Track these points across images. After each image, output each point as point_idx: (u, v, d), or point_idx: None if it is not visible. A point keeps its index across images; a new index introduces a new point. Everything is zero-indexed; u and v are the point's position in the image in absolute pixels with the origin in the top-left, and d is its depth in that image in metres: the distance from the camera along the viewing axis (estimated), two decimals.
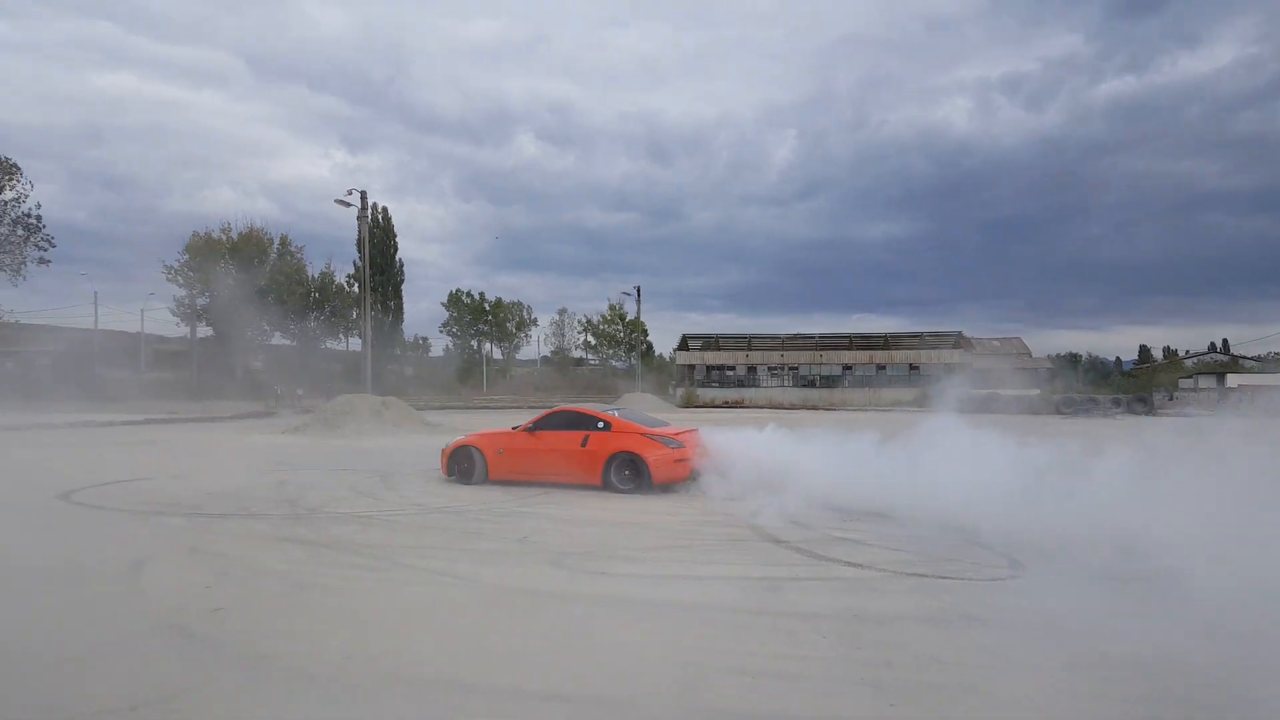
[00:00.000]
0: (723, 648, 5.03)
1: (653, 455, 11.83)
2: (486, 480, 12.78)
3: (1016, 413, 43.82)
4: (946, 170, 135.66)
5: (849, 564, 7.42)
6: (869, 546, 8.20)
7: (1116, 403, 48.10)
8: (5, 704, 4.06)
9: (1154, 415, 44.01)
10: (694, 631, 5.35)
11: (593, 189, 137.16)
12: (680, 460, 12.09)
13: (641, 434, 12.25)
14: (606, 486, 11.97)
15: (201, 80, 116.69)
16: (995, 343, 76.10)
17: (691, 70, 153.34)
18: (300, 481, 13.07)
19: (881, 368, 68.82)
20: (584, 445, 12.26)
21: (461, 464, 13.03)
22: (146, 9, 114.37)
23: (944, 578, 6.93)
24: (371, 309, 41.67)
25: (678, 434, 12.60)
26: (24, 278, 44.24)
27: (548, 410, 13.57)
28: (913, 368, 67.39)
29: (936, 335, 69.95)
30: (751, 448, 12.43)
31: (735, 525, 9.44)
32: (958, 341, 68.26)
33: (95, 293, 53.48)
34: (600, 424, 12.46)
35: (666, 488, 12.09)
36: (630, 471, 11.92)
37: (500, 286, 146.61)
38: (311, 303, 55.70)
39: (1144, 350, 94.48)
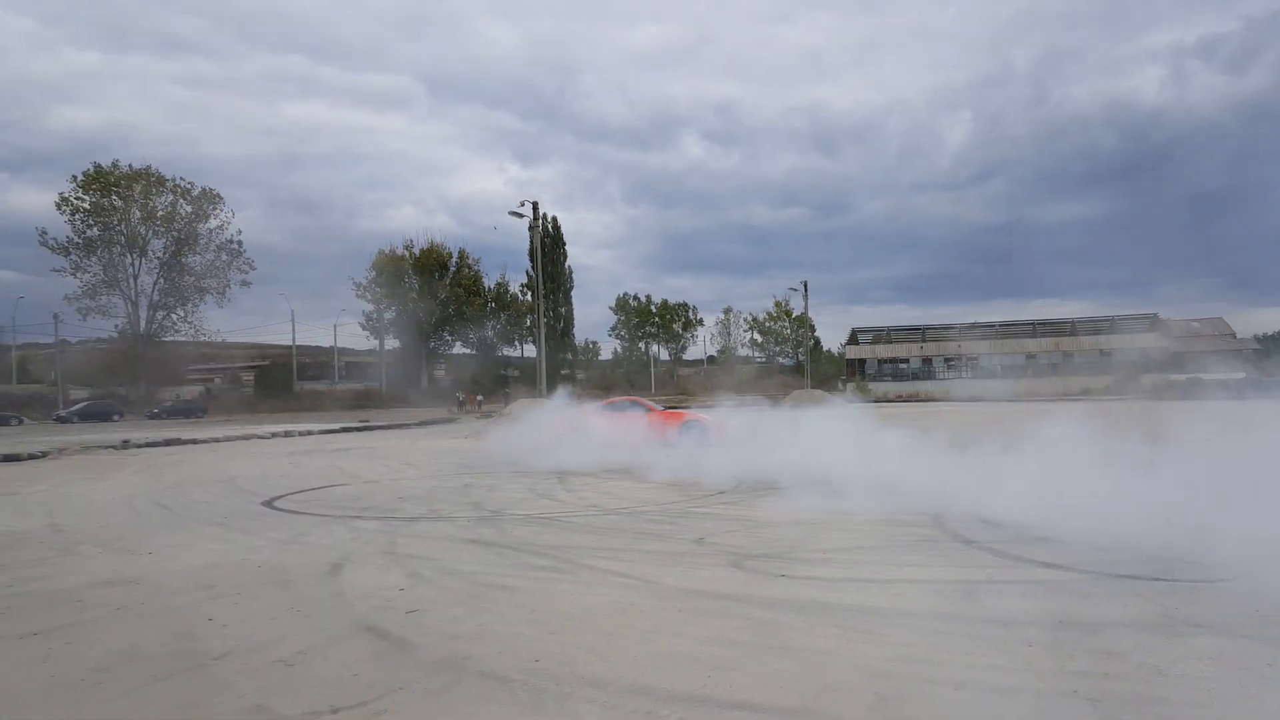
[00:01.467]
0: (920, 656, 4.74)
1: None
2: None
3: (1224, 398, 39.99)
4: (1135, 144, 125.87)
5: (1047, 565, 6.91)
6: (1068, 545, 7.60)
7: None
8: (214, 705, 4.29)
9: None
10: (888, 638, 5.08)
11: (758, 186, 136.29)
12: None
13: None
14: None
15: (385, 104, 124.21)
16: (1195, 324, 69.76)
17: (859, 59, 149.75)
18: (483, 484, 13.56)
19: (1068, 354, 64.65)
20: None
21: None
22: (334, 38, 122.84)
23: (1158, 579, 6.34)
24: (544, 315, 42.97)
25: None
26: (229, 299, 48.47)
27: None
28: (1103, 353, 62.92)
29: (1128, 318, 65.05)
30: None
31: (920, 525, 9.01)
32: (1152, 324, 63.20)
33: (292, 310, 57.75)
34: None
35: None
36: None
37: (667, 289, 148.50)
38: (488, 312, 58.13)
39: None
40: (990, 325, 69.13)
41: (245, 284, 48.77)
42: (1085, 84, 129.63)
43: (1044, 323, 68.08)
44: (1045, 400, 48.66)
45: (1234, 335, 66.76)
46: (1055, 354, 64.79)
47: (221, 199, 48.69)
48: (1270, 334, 71.31)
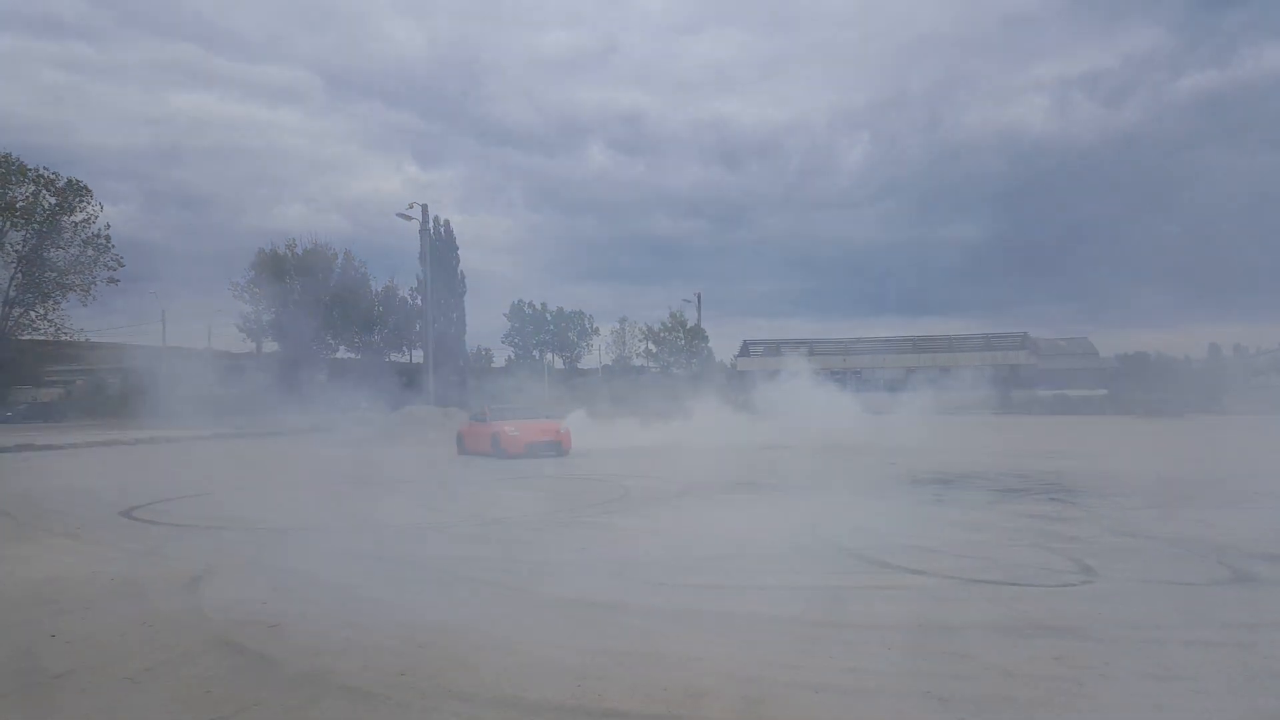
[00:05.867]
0: (787, 660, 4.83)
1: None
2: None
3: (1086, 413, 42.49)
4: (1021, 170, 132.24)
5: (913, 571, 7.16)
6: (935, 553, 7.90)
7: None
8: None
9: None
10: (757, 643, 5.15)
11: (662, 197, 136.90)
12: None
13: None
14: None
15: (279, 98, 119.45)
16: (1062, 343, 74.00)
17: (765, 75, 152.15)
18: (360, 495, 13.15)
19: (945, 370, 67.49)
20: None
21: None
22: (228, 28, 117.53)
23: (1012, 584, 6.65)
24: (434, 321, 42.18)
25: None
26: (94, 297, 45.70)
27: None
28: (976, 370, 65.95)
29: (1002, 336, 68.41)
30: None
31: (799, 534, 9.21)
32: (1022, 342, 66.64)
33: (162, 311, 54.96)
34: None
35: None
36: None
37: (567, 296, 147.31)
38: (375, 316, 56.67)
39: (1213, 348, 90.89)
40: (872, 340, 71.63)
41: (113, 281, 45.98)
42: (977, 110, 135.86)
43: (925, 338, 70.91)
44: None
45: (1097, 354, 71.00)
46: (933, 370, 67.58)
47: (89, 191, 45.81)
48: (1130, 354, 75.92)
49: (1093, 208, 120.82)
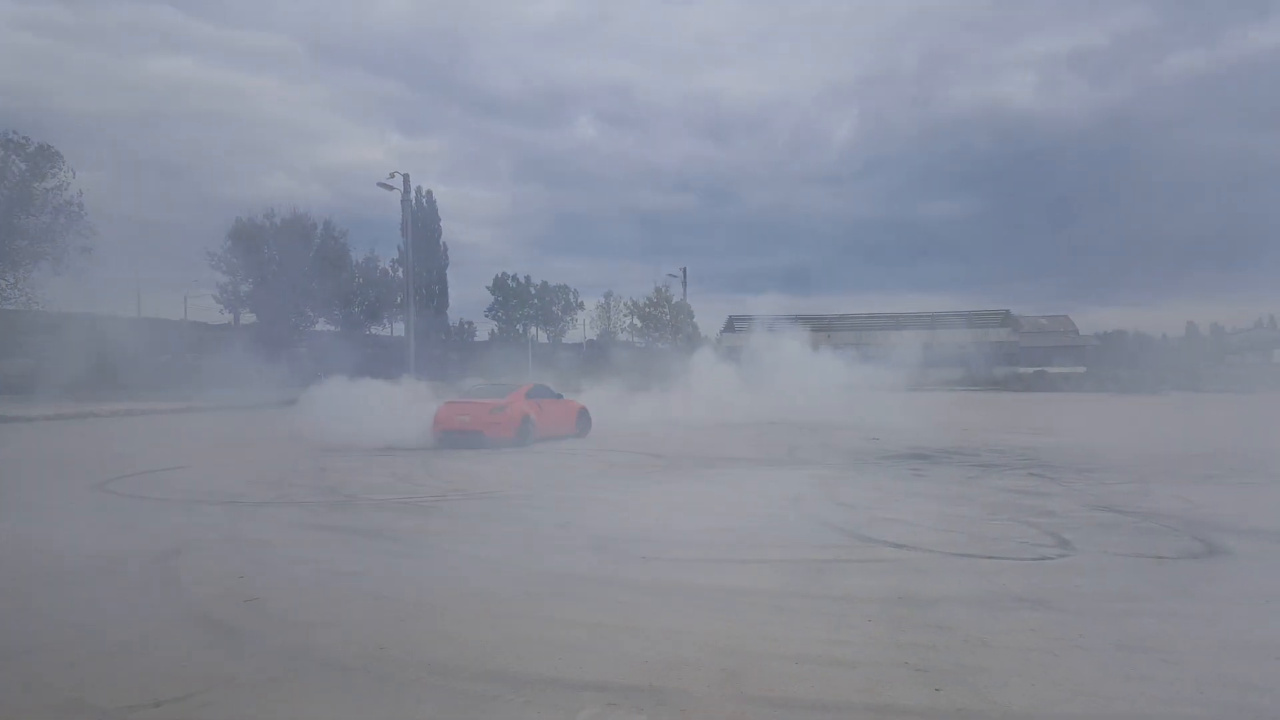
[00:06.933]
0: (768, 633, 4.86)
1: None
2: None
3: (1065, 390, 42.83)
4: (1008, 147, 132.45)
5: (893, 545, 7.21)
6: (915, 527, 7.96)
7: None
8: (23, 701, 4.01)
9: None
10: (738, 616, 5.18)
11: (650, 171, 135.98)
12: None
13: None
14: None
15: (261, 64, 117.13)
16: (1043, 320, 74.54)
17: (756, 48, 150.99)
18: (340, 467, 13.08)
19: (929, 347, 67.84)
20: None
21: None
22: None
23: (990, 557, 6.72)
24: (415, 294, 41.92)
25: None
26: (66, 267, 44.91)
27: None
28: (960, 347, 66.33)
29: (984, 314, 68.83)
30: None
31: (780, 508, 9.26)
32: (1004, 320, 67.08)
33: (138, 281, 54.15)
34: None
35: None
36: None
37: (553, 270, 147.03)
38: (355, 288, 56.21)
39: (1191, 326, 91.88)
40: (857, 317, 71.91)
41: (86, 250, 45.16)
42: (965, 86, 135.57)
43: (909, 315, 71.27)
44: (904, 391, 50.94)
45: (1078, 332, 71.61)
46: (915, 346, 67.89)
47: (61, 157, 44.81)
48: (1109, 332, 76.62)
49: (1077, 186, 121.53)
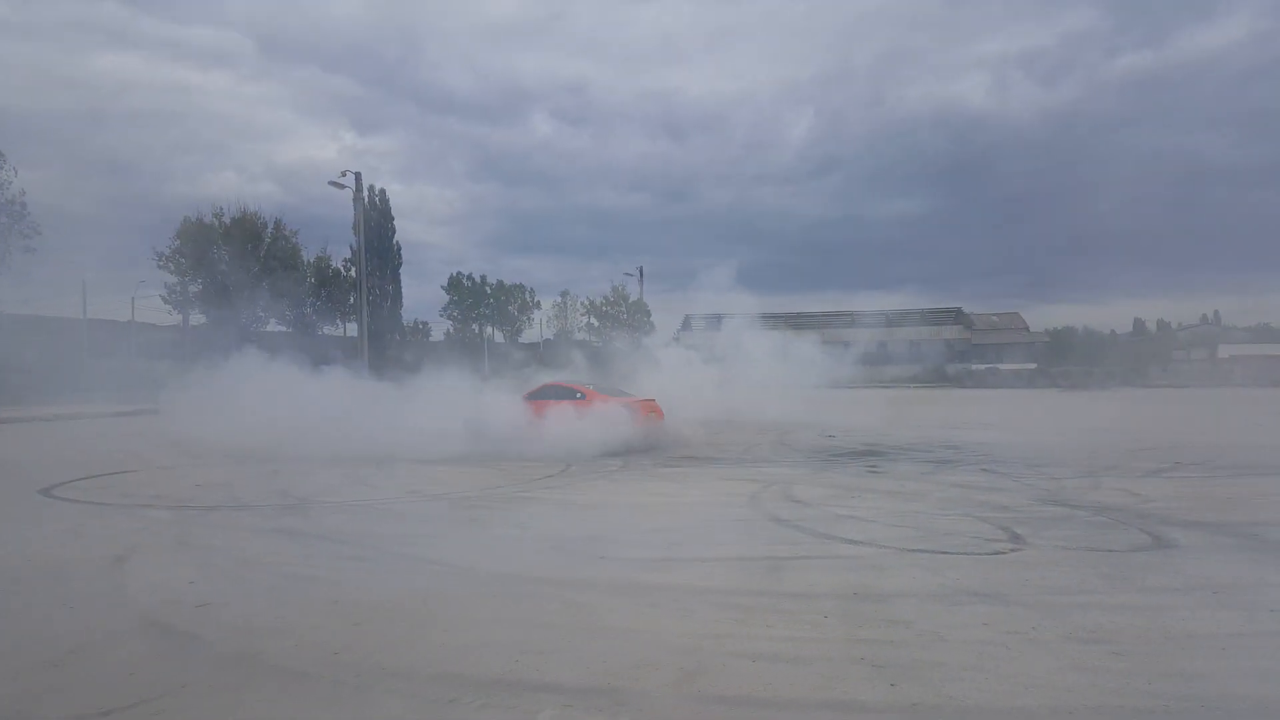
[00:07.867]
0: (725, 631, 4.87)
1: None
2: None
3: (1016, 387, 43.61)
4: (960, 147, 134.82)
5: (849, 541, 7.27)
6: (870, 524, 8.04)
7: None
8: None
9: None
10: (697, 615, 5.19)
11: (606, 169, 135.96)
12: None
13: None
14: None
15: (210, 61, 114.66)
16: (994, 318, 75.91)
17: (712, 47, 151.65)
18: (293, 471, 12.87)
19: (883, 344, 68.64)
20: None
21: None
22: None
23: (943, 552, 6.81)
24: (369, 293, 41.41)
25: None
26: (9, 267, 43.66)
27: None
28: (913, 344, 67.26)
29: (937, 311, 69.85)
30: None
31: (739, 505, 9.30)
32: (957, 317, 68.15)
33: (83, 282, 52.75)
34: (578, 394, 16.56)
35: None
36: None
37: (509, 269, 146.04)
38: (307, 288, 55.31)
39: (1138, 323, 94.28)
40: (813, 315, 72.58)
41: (29, 250, 43.94)
42: (919, 86, 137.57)
43: (862, 313, 72.03)
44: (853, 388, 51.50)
45: (1028, 329, 73.05)
46: (871, 344, 68.69)
47: (3, 155, 43.58)
48: (1059, 329, 78.24)
49: (1028, 185, 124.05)
